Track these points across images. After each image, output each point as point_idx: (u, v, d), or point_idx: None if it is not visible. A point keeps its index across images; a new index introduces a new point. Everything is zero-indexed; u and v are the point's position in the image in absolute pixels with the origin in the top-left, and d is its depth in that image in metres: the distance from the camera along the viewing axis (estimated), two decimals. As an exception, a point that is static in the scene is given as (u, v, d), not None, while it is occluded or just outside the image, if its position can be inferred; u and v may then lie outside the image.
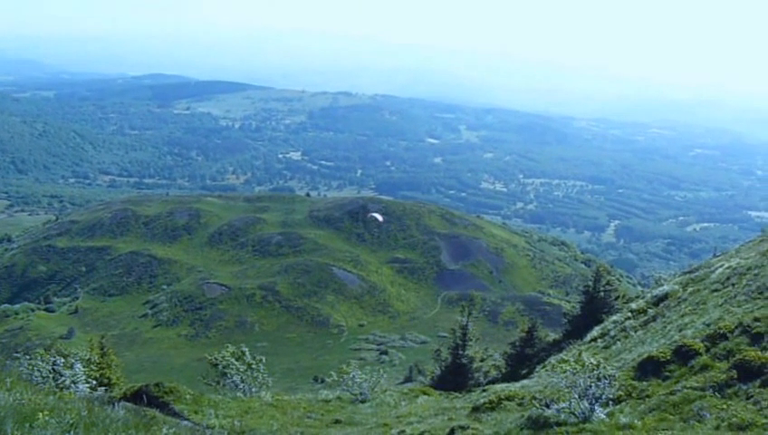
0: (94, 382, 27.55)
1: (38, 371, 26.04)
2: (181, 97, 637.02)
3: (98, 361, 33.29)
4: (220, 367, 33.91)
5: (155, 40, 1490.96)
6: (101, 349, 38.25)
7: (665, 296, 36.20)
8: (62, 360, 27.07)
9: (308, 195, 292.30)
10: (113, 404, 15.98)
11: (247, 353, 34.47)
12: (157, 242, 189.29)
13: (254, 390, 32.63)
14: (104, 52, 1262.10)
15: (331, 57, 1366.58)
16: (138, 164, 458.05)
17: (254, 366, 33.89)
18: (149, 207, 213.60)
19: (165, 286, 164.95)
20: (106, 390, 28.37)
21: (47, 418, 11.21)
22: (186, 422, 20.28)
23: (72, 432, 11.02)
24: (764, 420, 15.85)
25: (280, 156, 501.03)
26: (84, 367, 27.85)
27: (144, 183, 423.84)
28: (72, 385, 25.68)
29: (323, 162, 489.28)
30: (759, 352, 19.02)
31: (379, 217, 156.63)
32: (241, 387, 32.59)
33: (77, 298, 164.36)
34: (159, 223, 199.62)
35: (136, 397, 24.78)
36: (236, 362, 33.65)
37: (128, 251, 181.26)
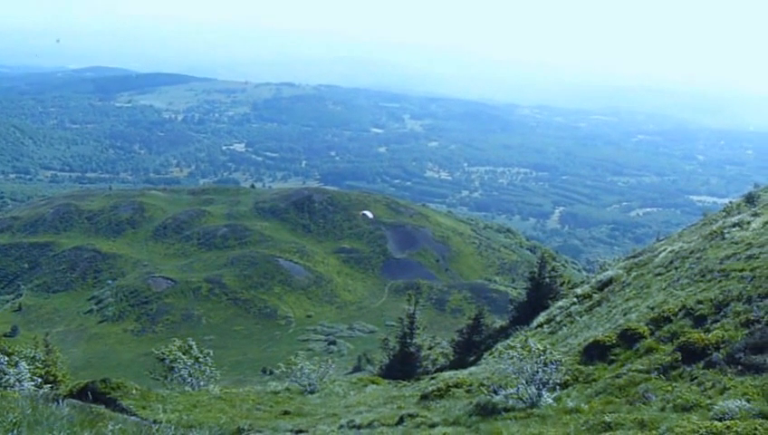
0: (39, 380, 27.25)
1: (-20, 370, 25.69)
2: (123, 90, 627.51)
3: (43, 358, 32.95)
4: (167, 361, 33.74)
5: (94, 33, 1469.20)
6: (46, 346, 37.88)
7: (609, 281, 36.61)
8: (6, 358, 26.71)
9: (253, 186, 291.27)
10: (58, 402, 15.79)
11: (194, 347, 34.34)
12: (101, 237, 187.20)
13: (201, 383, 32.49)
14: (43, 45, 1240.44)
15: (274, 49, 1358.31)
16: (80, 158, 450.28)
17: (201, 360, 33.77)
18: (93, 201, 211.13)
19: (110, 281, 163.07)
20: (52, 387, 28.07)
21: (-11, 417, 11.04)
22: (133, 418, 20.11)
23: (15, 431, 10.85)
24: (708, 401, 16.03)
25: (224, 148, 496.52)
26: (29, 365, 27.55)
27: (87, 177, 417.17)
28: (17, 383, 25.34)
29: (268, 153, 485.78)
30: (702, 334, 19.22)
31: (370, 215, 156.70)
32: (189, 381, 32.44)
33: (20, 295, 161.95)
34: (103, 217, 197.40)
35: (82, 394, 24.55)
36: (184, 356, 33.50)
37: (71, 246, 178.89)
